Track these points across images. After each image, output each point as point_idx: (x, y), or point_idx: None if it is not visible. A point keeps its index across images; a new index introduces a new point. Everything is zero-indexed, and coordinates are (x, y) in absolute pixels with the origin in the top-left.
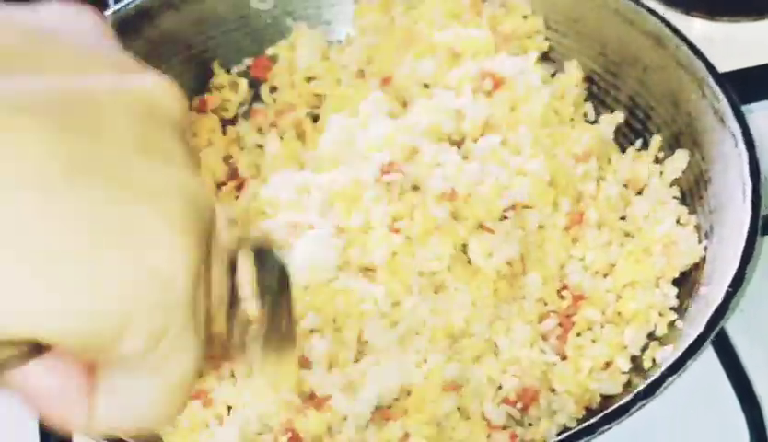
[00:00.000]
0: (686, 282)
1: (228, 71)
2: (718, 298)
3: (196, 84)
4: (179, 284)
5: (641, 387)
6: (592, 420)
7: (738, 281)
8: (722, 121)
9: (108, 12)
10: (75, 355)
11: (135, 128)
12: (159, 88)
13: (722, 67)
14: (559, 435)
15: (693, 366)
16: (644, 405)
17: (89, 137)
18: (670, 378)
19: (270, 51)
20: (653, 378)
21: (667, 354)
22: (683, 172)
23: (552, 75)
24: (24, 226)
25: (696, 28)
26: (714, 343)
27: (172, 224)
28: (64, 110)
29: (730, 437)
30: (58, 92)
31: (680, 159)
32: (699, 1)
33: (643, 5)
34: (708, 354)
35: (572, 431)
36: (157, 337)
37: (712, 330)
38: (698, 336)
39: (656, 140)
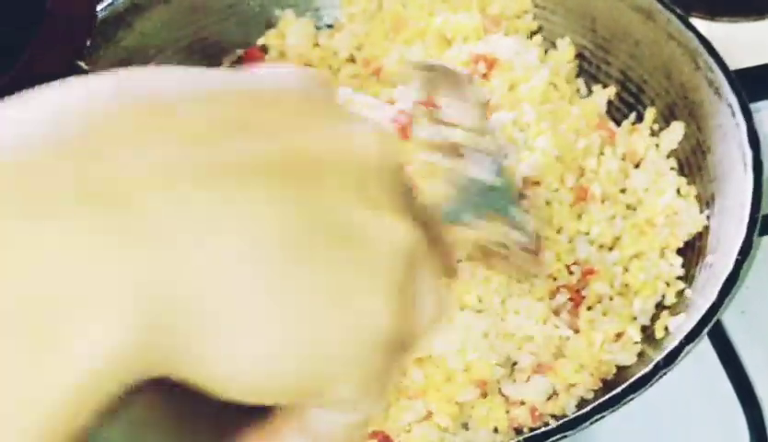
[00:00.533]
0: (690, 252)
1: (220, 62)
2: (728, 267)
3: None
4: (382, 331)
5: (659, 357)
6: (615, 391)
7: (747, 249)
8: (717, 92)
9: (101, 6)
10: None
11: (354, 182)
12: (379, 139)
13: None
14: (580, 407)
15: (694, 367)
16: (664, 374)
17: (312, 194)
18: (688, 347)
19: (260, 40)
20: (671, 348)
21: (680, 322)
22: (680, 144)
23: (545, 53)
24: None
25: (696, 28)
26: (714, 344)
27: (376, 273)
28: (287, 172)
29: (730, 438)
30: (279, 153)
31: (676, 131)
32: (699, 1)
33: None
34: (708, 354)
35: (596, 403)
36: (367, 383)
37: (724, 299)
38: (711, 305)
39: (650, 112)
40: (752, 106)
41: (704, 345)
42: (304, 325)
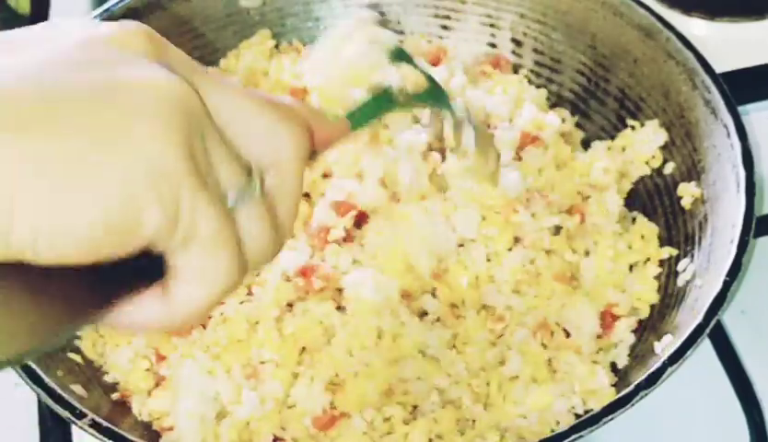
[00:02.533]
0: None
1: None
2: (716, 288)
3: None
4: (169, 157)
5: (641, 378)
6: (594, 411)
7: (735, 270)
8: (714, 112)
9: (97, 12)
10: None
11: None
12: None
13: (721, 67)
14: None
15: (694, 367)
16: (645, 396)
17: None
18: (671, 368)
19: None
20: (654, 368)
21: (666, 343)
22: (676, 163)
23: (548, 80)
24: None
25: (696, 28)
26: (714, 344)
27: (144, 114)
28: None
29: (730, 437)
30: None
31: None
32: (699, 1)
33: None
34: (708, 355)
35: (576, 422)
36: (173, 207)
37: (710, 319)
38: (697, 325)
39: (653, 124)
40: (751, 105)
41: (704, 345)
42: (79, 181)
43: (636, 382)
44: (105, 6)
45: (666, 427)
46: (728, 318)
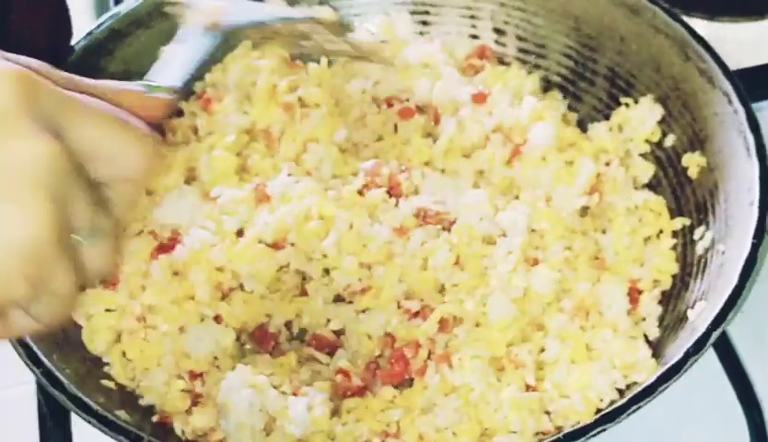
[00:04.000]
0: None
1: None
2: (745, 250)
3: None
4: (39, 238)
5: (689, 344)
6: (584, 423)
7: (761, 230)
8: (711, 81)
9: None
10: None
11: None
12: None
13: None
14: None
15: (694, 367)
16: (694, 363)
17: None
18: (715, 333)
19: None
20: (700, 334)
21: (701, 309)
22: (676, 135)
23: (535, 66)
24: None
25: (696, 28)
26: (714, 344)
27: (12, 195)
28: None
29: (731, 438)
30: None
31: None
32: (699, 1)
33: None
34: (709, 355)
35: (564, 432)
36: (38, 279)
37: (745, 281)
38: (734, 288)
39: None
40: (753, 105)
41: None
42: None
43: (685, 348)
44: (88, 30)
45: (666, 427)
46: None
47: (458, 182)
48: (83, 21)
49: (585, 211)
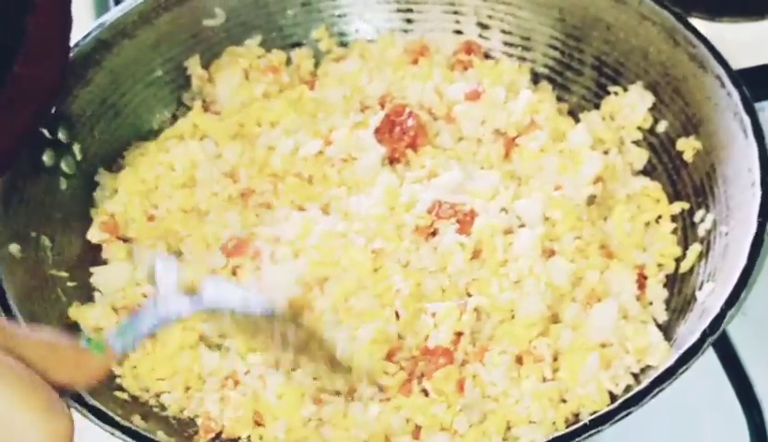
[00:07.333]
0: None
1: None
2: (751, 230)
3: (165, 103)
4: None
5: (704, 325)
6: (578, 424)
7: (766, 209)
8: (702, 65)
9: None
10: None
11: None
12: None
13: None
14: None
15: (694, 367)
16: (711, 344)
17: None
18: (730, 313)
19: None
20: (714, 315)
21: (709, 290)
22: (668, 120)
23: (521, 59)
24: None
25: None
26: (714, 344)
27: None
28: None
29: (731, 438)
30: None
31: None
32: (699, 1)
33: None
34: (709, 355)
35: (558, 433)
36: None
37: (754, 261)
38: (744, 268)
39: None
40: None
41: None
42: None
43: (698, 329)
44: (75, 41)
45: (666, 427)
46: None
47: (465, 165)
48: (83, 22)
49: (591, 200)
